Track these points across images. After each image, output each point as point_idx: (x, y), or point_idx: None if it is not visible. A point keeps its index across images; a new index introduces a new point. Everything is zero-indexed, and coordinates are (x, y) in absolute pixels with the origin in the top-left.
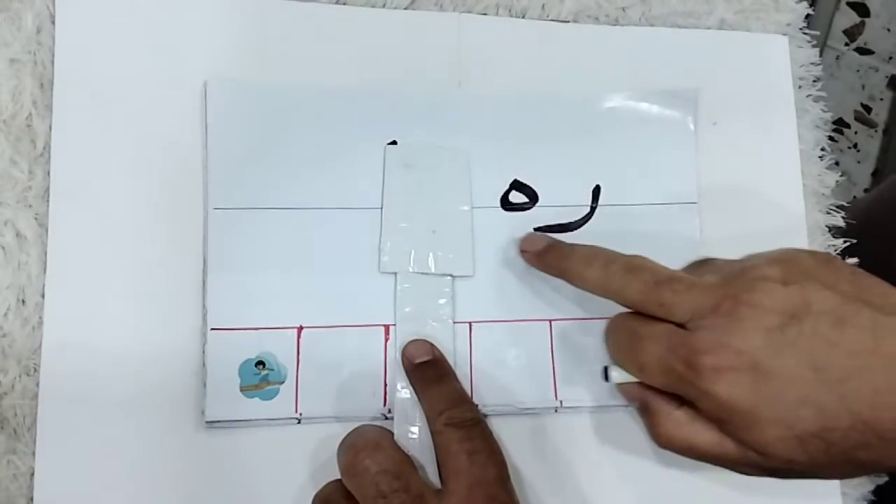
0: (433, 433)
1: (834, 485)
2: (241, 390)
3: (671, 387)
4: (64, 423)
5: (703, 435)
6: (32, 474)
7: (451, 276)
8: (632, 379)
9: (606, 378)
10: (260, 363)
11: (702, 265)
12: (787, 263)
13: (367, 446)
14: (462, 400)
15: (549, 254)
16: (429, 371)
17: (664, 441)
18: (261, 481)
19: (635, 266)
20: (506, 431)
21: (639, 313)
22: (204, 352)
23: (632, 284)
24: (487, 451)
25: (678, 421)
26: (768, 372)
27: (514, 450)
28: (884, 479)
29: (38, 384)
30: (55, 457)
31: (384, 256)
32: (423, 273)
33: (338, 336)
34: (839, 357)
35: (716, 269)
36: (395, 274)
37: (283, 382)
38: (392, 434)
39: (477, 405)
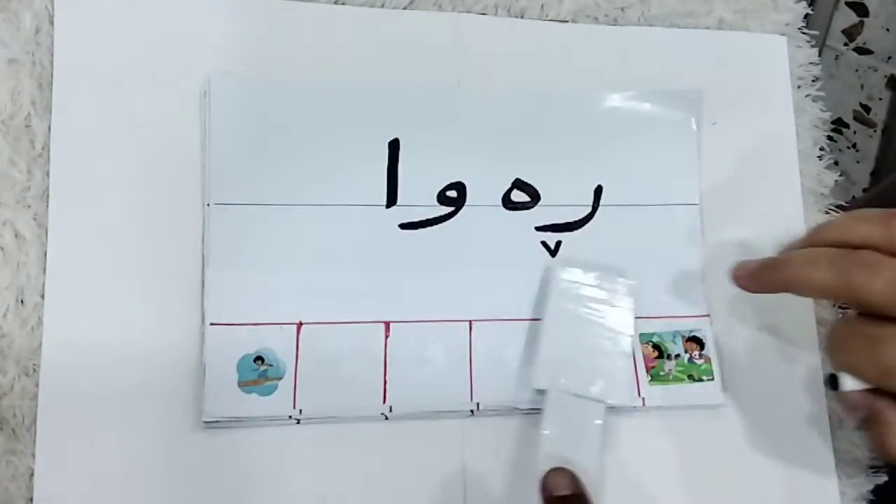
0: None
1: (832, 484)
2: (240, 385)
3: None
4: (63, 423)
5: None
6: (32, 474)
7: (605, 403)
8: (863, 386)
9: (833, 387)
10: (259, 358)
11: None
12: None
13: None
14: None
15: (765, 270)
16: None
17: None
18: (260, 480)
19: (873, 263)
20: (506, 431)
21: (868, 315)
22: (202, 347)
23: (874, 284)
24: None
25: None
26: None
27: (513, 448)
28: (883, 479)
29: (37, 384)
30: (55, 457)
31: (540, 370)
32: (577, 395)
33: (338, 332)
34: None
35: None
36: (546, 391)
37: (281, 378)
38: None
39: None
